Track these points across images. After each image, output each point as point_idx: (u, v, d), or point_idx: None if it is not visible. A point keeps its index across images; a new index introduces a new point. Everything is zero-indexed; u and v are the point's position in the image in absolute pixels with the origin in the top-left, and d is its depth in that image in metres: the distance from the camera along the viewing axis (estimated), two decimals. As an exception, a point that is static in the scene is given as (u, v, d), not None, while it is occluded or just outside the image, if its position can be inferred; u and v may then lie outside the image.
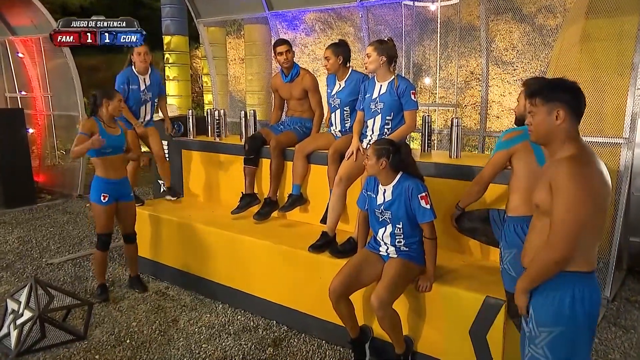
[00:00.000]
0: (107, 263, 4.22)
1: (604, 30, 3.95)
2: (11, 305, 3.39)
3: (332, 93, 3.81)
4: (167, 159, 4.92)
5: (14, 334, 3.26)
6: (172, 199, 4.79)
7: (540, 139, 1.90)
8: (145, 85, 4.59)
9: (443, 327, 2.88)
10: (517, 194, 2.53)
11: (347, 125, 3.79)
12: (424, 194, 2.79)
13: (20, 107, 8.09)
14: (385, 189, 2.87)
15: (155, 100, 4.73)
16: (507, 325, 2.66)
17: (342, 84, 3.77)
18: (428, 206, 2.79)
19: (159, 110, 5.00)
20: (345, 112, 3.78)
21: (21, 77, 8.42)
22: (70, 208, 7.02)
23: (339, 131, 3.83)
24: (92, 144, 3.64)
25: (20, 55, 8.27)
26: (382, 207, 2.87)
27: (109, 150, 3.81)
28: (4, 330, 3.36)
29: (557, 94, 1.83)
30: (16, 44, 8.23)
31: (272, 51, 4.16)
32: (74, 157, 4.10)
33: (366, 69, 3.46)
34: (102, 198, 3.82)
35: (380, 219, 2.90)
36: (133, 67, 4.56)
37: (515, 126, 2.73)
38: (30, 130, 8.10)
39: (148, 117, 4.69)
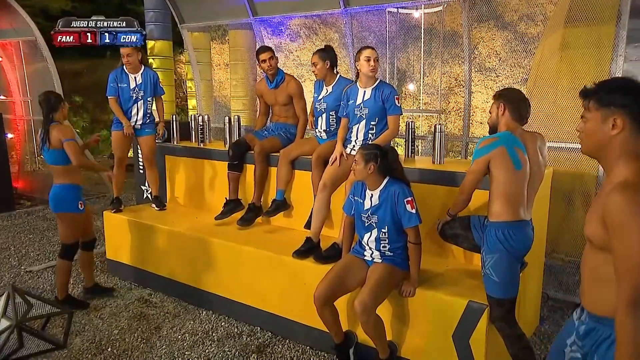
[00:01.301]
0: None
1: (582, 38, 4.03)
2: (-12, 314, 3.31)
3: (319, 97, 3.82)
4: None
5: (-10, 344, 3.18)
6: (157, 209, 4.74)
7: (590, 152, 1.56)
8: (136, 83, 4.52)
9: (426, 332, 2.90)
10: (498, 200, 2.57)
11: (333, 128, 3.80)
12: (410, 199, 2.81)
13: (-2, 111, 7.95)
14: (372, 194, 2.88)
15: (149, 100, 4.62)
16: (490, 329, 2.69)
17: (330, 89, 3.78)
18: (414, 211, 2.81)
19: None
20: (331, 116, 3.79)
21: (-1, 81, 8.29)
22: (50, 214, 6.87)
23: (325, 131, 3.84)
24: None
25: (-2, 59, 8.14)
26: (369, 211, 2.88)
27: None
28: (-19, 340, 3.27)
29: (616, 97, 1.47)
30: (-5, 48, 8.10)
31: (256, 58, 4.15)
32: (85, 169, 4.05)
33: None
34: (79, 206, 3.77)
35: (367, 224, 2.91)
36: (124, 66, 4.53)
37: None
38: (10, 135, 7.95)
39: (140, 116, 4.58)
